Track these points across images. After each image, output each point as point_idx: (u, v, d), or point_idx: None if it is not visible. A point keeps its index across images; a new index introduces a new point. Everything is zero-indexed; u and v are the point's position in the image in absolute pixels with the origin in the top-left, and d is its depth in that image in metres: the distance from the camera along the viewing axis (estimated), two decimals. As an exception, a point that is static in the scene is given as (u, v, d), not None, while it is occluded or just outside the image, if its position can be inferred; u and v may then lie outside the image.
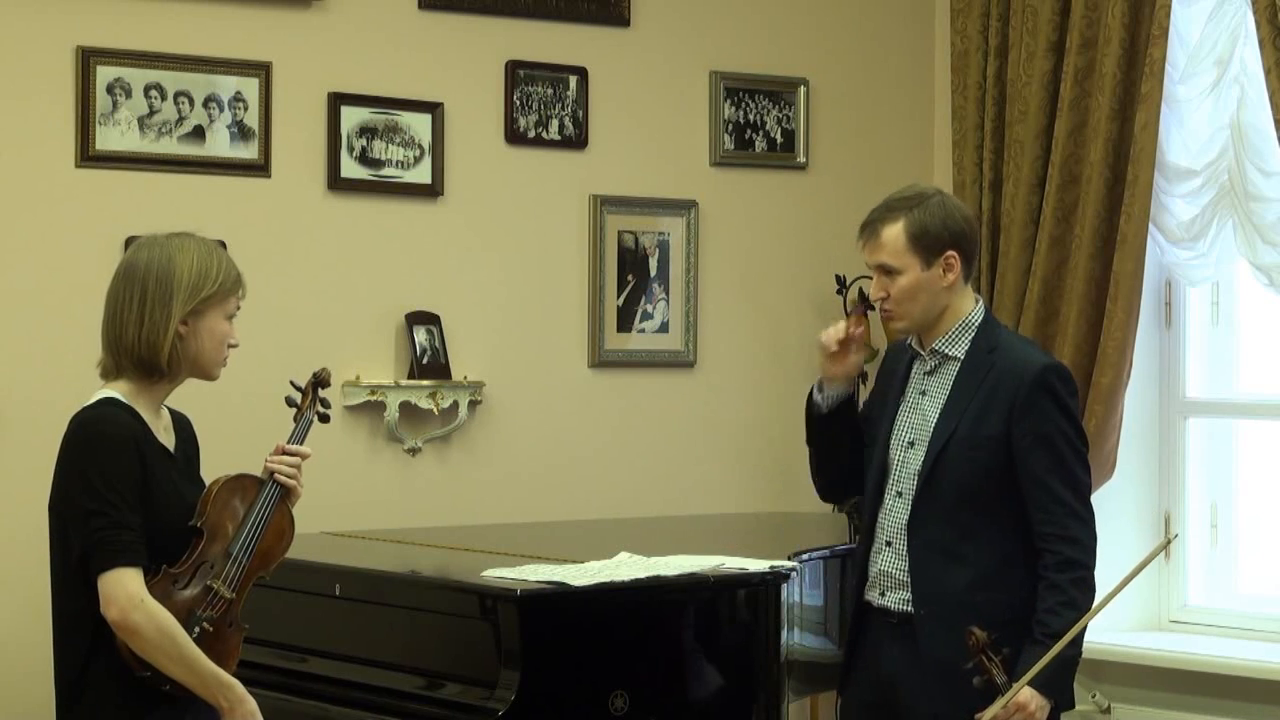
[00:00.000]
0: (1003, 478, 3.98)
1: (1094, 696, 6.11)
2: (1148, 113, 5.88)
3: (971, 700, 3.76)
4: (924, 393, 4.09)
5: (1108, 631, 6.11)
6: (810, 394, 4.17)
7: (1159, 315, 6.22)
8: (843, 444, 4.19)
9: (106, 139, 5.49)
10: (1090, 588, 3.95)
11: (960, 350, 4.06)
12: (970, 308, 4.08)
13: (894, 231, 3.99)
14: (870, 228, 4.03)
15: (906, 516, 4.05)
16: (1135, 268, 5.90)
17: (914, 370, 4.12)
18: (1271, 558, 6.15)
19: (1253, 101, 5.77)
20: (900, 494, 4.07)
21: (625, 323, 6.27)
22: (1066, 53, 6.09)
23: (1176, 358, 6.24)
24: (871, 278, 4.09)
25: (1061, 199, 6.08)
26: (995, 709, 3.71)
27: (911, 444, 4.07)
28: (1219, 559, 6.21)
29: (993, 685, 3.73)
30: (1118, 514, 6.09)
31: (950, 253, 4.00)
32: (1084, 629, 3.77)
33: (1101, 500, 5.96)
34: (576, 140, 6.19)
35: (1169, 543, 3.70)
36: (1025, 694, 3.81)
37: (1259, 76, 5.68)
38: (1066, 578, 3.93)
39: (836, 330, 4.09)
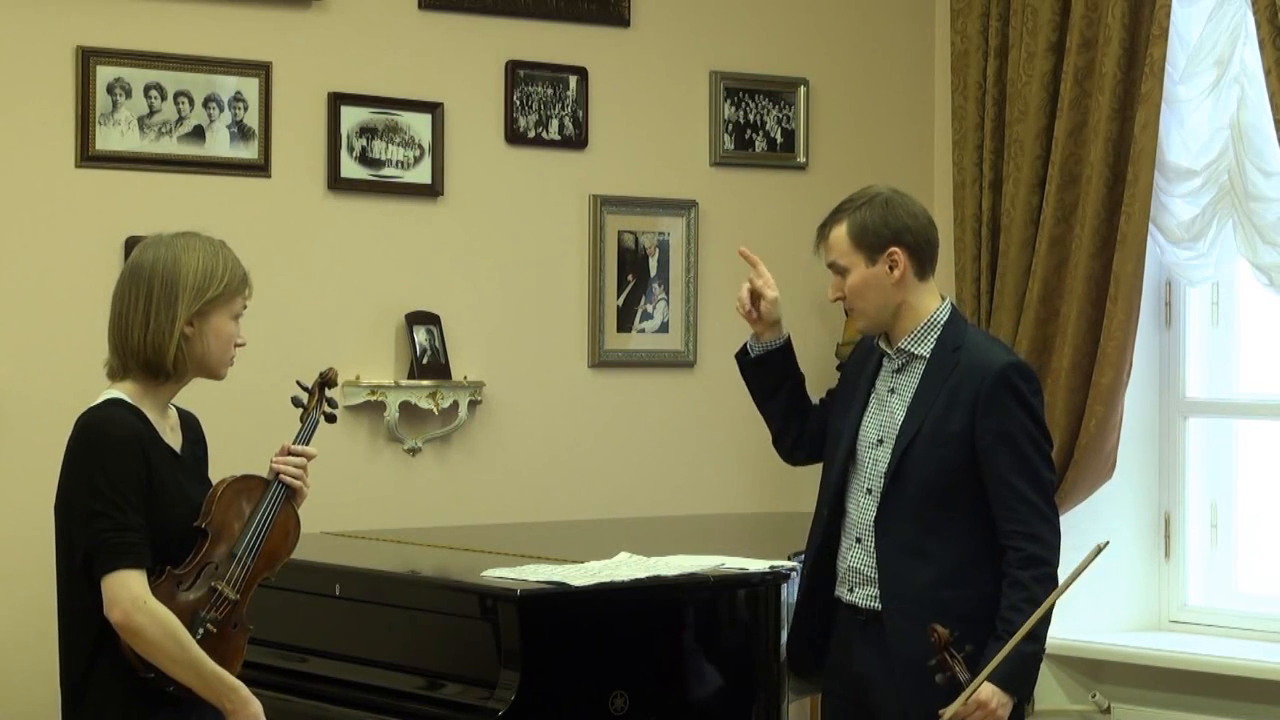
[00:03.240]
0: (968, 476, 4.03)
1: (1094, 696, 6.11)
2: (1148, 113, 5.88)
3: (940, 697, 3.79)
4: (892, 390, 4.14)
5: (1108, 631, 6.12)
6: (744, 346, 4.36)
7: (1159, 315, 6.22)
8: (779, 391, 4.33)
9: (106, 139, 5.49)
10: (1054, 584, 3.97)
11: (925, 349, 4.10)
12: (934, 306, 4.13)
13: (839, 232, 4.11)
14: (821, 231, 4.17)
15: (875, 513, 4.09)
16: (1135, 268, 5.90)
17: (882, 368, 4.18)
18: (1271, 558, 6.15)
19: (1253, 101, 5.77)
20: (869, 491, 4.12)
21: (625, 323, 6.27)
22: (1066, 53, 6.09)
23: (1176, 358, 6.24)
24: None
25: (1061, 199, 6.08)
26: (956, 706, 3.74)
27: (880, 441, 4.12)
28: (1219, 559, 6.21)
29: (955, 682, 3.76)
30: (1118, 514, 6.09)
31: (893, 249, 4.07)
32: (1040, 625, 3.82)
33: (1101, 500, 6.00)
34: (576, 140, 6.19)
35: (1102, 548, 3.73)
36: (986, 691, 3.84)
37: (1259, 76, 5.68)
38: (1030, 574, 3.96)
39: (742, 294, 4.33)
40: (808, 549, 4.27)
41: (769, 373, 4.35)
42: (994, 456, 4.00)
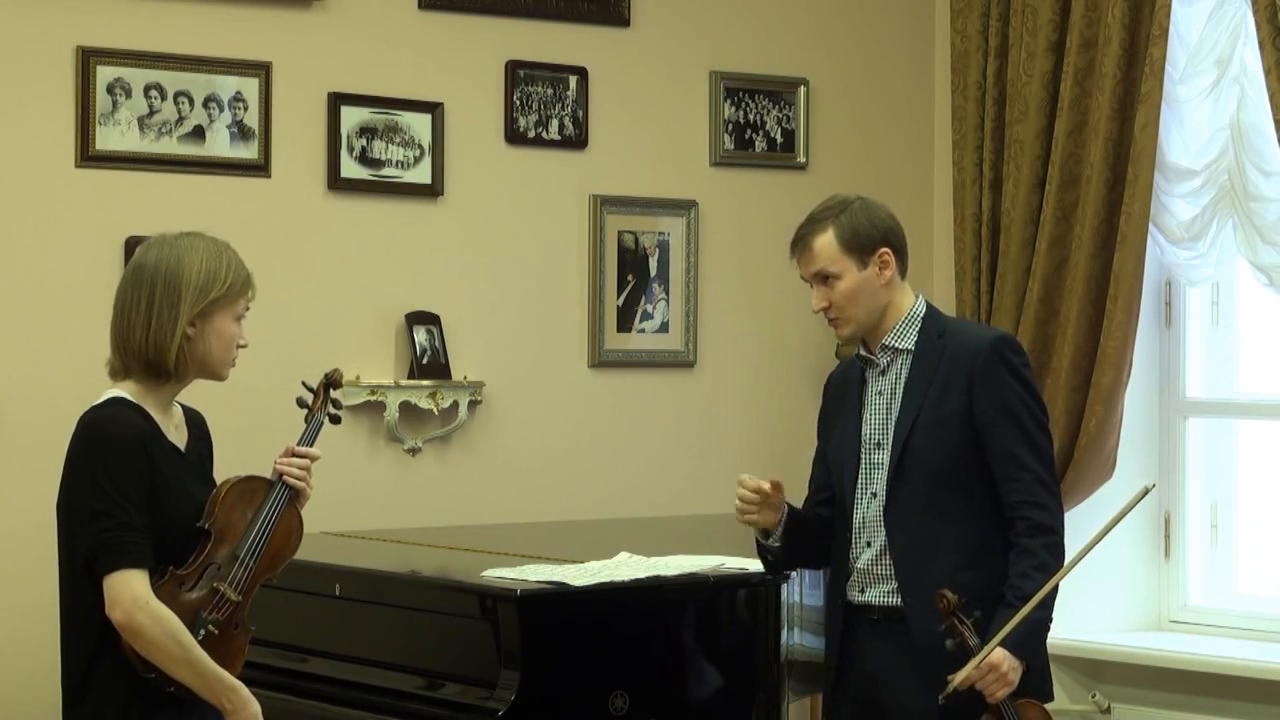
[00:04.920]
0: (971, 456, 4.04)
1: (1094, 696, 6.11)
2: (1148, 113, 5.88)
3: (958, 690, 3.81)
4: (880, 393, 4.15)
5: (1108, 631, 6.11)
6: (758, 544, 4.21)
7: (1159, 315, 6.22)
8: (809, 548, 4.24)
9: (106, 139, 5.49)
10: (1061, 552, 4.01)
11: (909, 342, 4.12)
12: (912, 302, 4.16)
13: (825, 239, 4.10)
14: (801, 242, 4.14)
15: (882, 512, 4.09)
16: (1135, 268, 5.90)
17: (867, 378, 4.18)
18: (1271, 558, 6.15)
19: (1253, 101, 5.78)
20: (875, 494, 4.12)
21: (625, 323, 6.27)
22: (1066, 53, 6.09)
23: (1176, 358, 6.24)
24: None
25: (1061, 199, 6.08)
26: (968, 670, 3.77)
27: (879, 444, 4.13)
28: (1219, 559, 6.21)
29: (965, 647, 3.80)
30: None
31: (883, 250, 4.09)
32: (1054, 591, 3.88)
33: (1101, 500, 6.00)
34: (576, 140, 6.19)
35: (1147, 491, 3.77)
36: (998, 654, 3.87)
37: (1259, 76, 5.68)
38: (1038, 542, 3.99)
39: (745, 496, 4.12)
40: (833, 557, 4.24)
41: (796, 548, 4.21)
42: (995, 430, 4.02)
